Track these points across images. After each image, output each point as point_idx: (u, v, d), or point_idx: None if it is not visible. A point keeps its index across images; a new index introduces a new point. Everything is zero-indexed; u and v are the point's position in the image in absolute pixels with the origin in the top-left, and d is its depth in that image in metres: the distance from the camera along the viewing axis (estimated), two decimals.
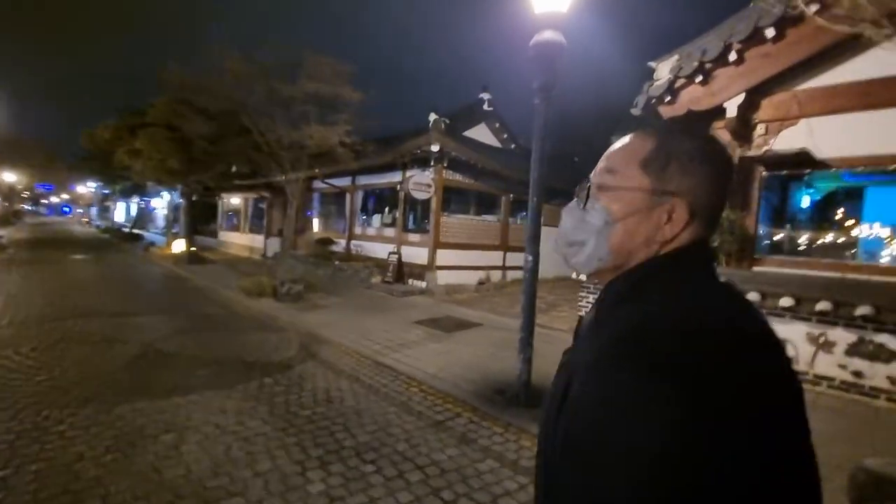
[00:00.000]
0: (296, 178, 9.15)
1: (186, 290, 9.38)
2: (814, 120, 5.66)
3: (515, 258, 12.24)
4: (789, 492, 0.50)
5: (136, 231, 24.69)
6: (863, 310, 4.18)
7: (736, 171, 6.06)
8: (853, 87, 5.39)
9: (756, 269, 5.89)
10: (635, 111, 6.46)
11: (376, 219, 12.71)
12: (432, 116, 10.08)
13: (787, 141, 5.79)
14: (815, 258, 5.86)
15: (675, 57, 6.11)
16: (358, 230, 12.92)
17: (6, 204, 32.62)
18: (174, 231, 20.56)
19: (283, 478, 2.64)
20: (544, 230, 4.22)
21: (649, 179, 0.64)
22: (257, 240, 17.20)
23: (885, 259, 5.71)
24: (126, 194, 29.42)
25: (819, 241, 6.48)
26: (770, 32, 5.28)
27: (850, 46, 5.24)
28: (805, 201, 7.18)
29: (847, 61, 5.44)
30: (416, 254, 10.53)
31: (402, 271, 10.55)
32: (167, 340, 5.37)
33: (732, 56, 5.60)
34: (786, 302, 4.58)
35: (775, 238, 6.51)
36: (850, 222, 6.45)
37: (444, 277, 10.19)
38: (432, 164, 9.96)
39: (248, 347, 5.34)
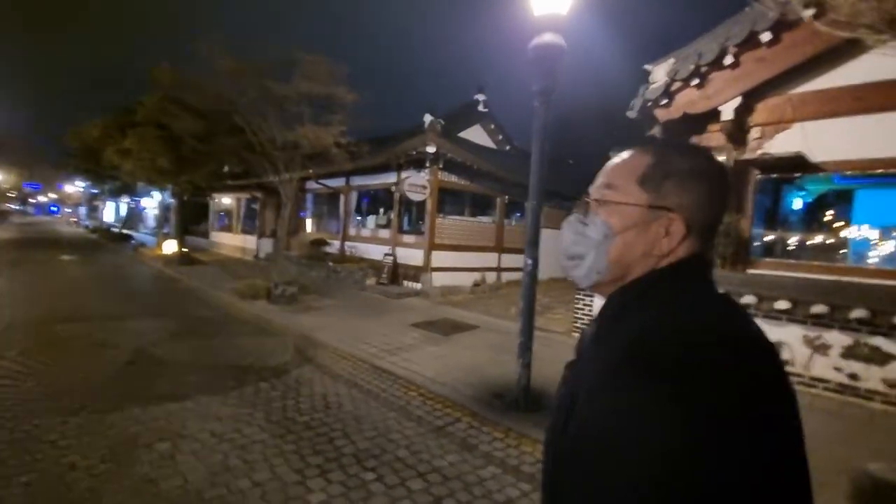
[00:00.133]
0: (289, 178, 9.05)
1: (178, 292, 9.25)
2: (808, 124, 5.71)
3: (510, 260, 12.24)
4: (787, 492, 0.52)
5: (125, 231, 24.35)
6: (858, 313, 4.21)
7: (731, 177, 6.12)
8: (847, 91, 5.45)
9: (750, 271, 5.93)
10: (631, 114, 6.49)
11: (371, 220, 12.64)
12: (428, 117, 10.04)
13: (782, 144, 5.84)
14: (809, 261, 5.92)
15: (671, 60, 6.14)
16: (352, 231, 12.84)
17: None
18: (164, 231, 20.31)
19: (282, 487, 2.59)
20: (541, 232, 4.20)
21: (647, 195, 0.67)
22: (249, 240, 17.03)
23: (877, 261, 5.78)
24: (115, 194, 28.98)
25: (812, 244, 6.55)
26: (766, 36, 5.32)
27: (843, 51, 5.30)
28: (797, 204, 7.25)
29: (841, 66, 5.50)
30: (411, 255, 10.48)
31: (398, 273, 10.50)
32: (159, 344, 5.27)
33: (728, 60, 5.64)
34: (781, 305, 4.62)
35: (769, 240, 6.57)
36: (841, 225, 6.53)
37: (439, 279, 10.16)
38: (428, 165, 9.92)
39: (243, 351, 5.26)
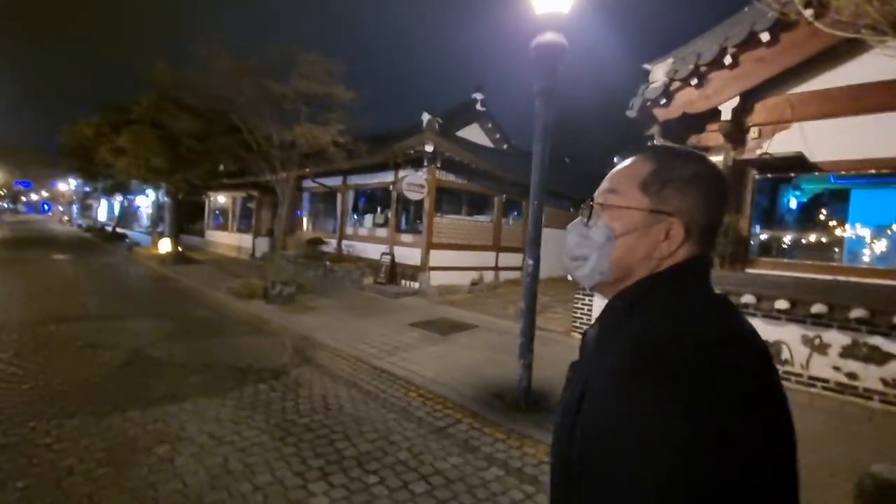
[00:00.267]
0: (286, 177, 8.99)
1: (173, 292, 9.17)
2: (806, 124, 5.73)
3: (508, 259, 12.24)
4: (783, 489, 0.56)
5: (119, 230, 24.13)
6: (857, 312, 4.23)
7: (729, 176, 6.13)
8: (845, 91, 5.47)
9: (749, 271, 5.95)
10: (631, 113, 6.49)
11: (368, 219, 12.58)
12: (426, 116, 10.00)
13: (781, 144, 5.86)
14: (807, 260, 5.95)
15: (671, 60, 6.14)
16: (349, 230, 12.78)
17: None
18: (159, 230, 20.13)
19: (283, 491, 2.56)
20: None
21: (648, 200, 0.69)
22: (245, 239, 16.93)
23: (875, 261, 5.81)
24: (109, 192, 28.72)
25: (810, 243, 6.58)
26: (765, 36, 5.33)
27: (842, 52, 5.32)
28: (792, 203, 7.29)
29: (838, 66, 5.52)
30: (408, 254, 10.45)
31: (395, 272, 10.46)
32: (156, 345, 5.22)
33: (727, 59, 5.65)
34: (781, 304, 4.63)
35: (768, 240, 6.60)
36: (838, 224, 6.55)
37: (437, 278, 10.13)
38: (425, 164, 9.88)
39: (241, 352, 5.22)
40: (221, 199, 19.48)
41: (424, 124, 9.94)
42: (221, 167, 14.81)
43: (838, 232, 6.44)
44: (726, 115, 5.92)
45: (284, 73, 8.05)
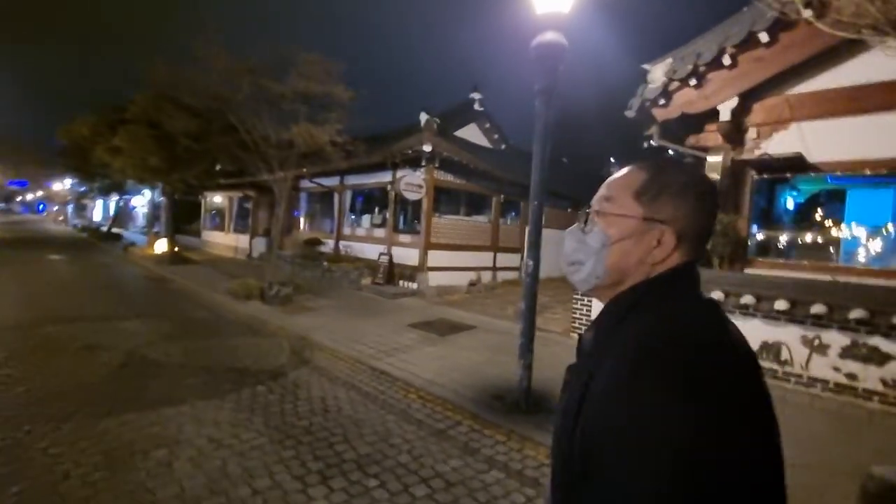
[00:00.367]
0: (284, 177, 8.94)
1: (170, 293, 9.11)
2: (805, 124, 5.74)
3: (506, 259, 12.23)
4: (778, 485, 0.59)
5: (115, 230, 23.98)
6: (856, 313, 4.23)
7: (728, 176, 6.14)
8: (843, 92, 5.48)
9: (748, 271, 5.95)
10: (629, 113, 6.48)
11: (366, 219, 12.54)
12: (423, 116, 9.97)
13: (779, 145, 5.87)
14: (806, 261, 5.96)
15: (669, 60, 6.14)
16: (347, 230, 12.74)
17: None
18: (155, 230, 20.03)
19: (283, 495, 2.53)
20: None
21: (642, 208, 0.73)
22: (242, 240, 16.86)
23: (873, 261, 5.82)
24: (104, 192, 28.51)
25: (808, 244, 6.59)
26: (764, 37, 5.33)
27: (840, 52, 5.33)
28: (790, 203, 7.30)
29: (837, 67, 5.53)
30: (406, 255, 10.42)
31: (393, 273, 10.43)
32: (152, 347, 5.17)
33: (726, 60, 5.65)
34: (780, 305, 4.62)
35: (766, 240, 6.60)
36: (836, 225, 6.57)
37: (435, 279, 10.11)
38: (423, 164, 9.85)
39: (238, 353, 5.18)
40: (218, 199, 19.38)
41: (422, 124, 9.91)
42: (218, 167, 14.72)
43: (836, 232, 6.45)
44: (725, 115, 5.93)
45: (283, 73, 8.00)
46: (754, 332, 4.80)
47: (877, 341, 4.19)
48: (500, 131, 14.95)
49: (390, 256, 10.51)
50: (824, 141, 5.61)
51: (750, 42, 5.47)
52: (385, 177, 11.00)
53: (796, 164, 5.71)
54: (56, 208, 52.75)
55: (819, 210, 7.25)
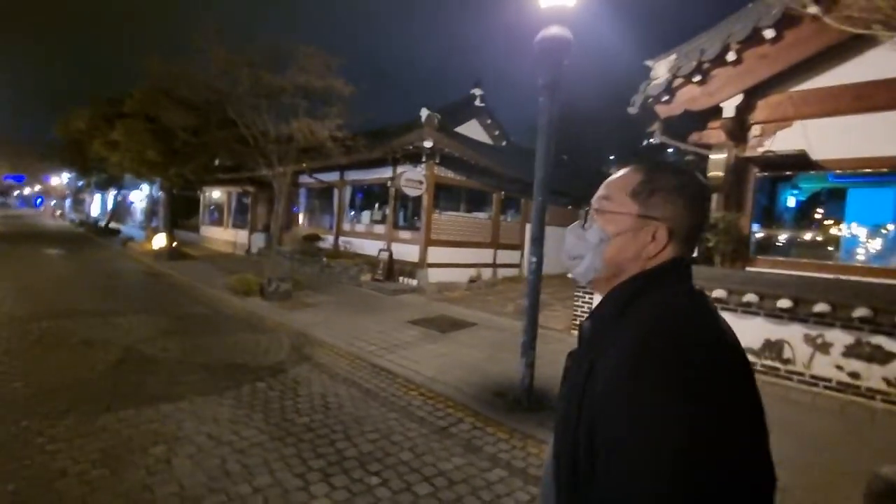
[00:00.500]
0: (283, 172, 8.87)
1: (168, 288, 9.06)
2: (809, 121, 5.71)
3: (506, 256, 12.20)
4: (771, 478, 0.62)
5: (112, 225, 23.85)
6: (860, 311, 4.21)
7: (731, 174, 6.10)
8: (847, 89, 5.44)
9: (750, 269, 5.93)
10: (632, 110, 6.44)
11: (365, 215, 12.48)
12: (424, 112, 9.89)
13: (783, 142, 5.83)
14: (808, 259, 5.94)
15: (673, 56, 6.09)
16: (346, 226, 12.69)
17: None
18: (153, 225, 19.92)
19: (284, 493, 2.49)
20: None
21: (637, 206, 0.78)
22: (241, 235, 16.78)
23: (876, 260, 5.80)
24: (102, 186, 28.38)
25: (810, 242, 6.57)
26: (769, 33, 5.28)
27: (845, 49, 5.29)
28: (791, 202, 7.28)
29: (842, 64, 5.49)
30: (406, 251, 10.37)
31: (393, 269, 10.39)
32: (151, 342, 5.13)
33: (731, 56, 5.60)
34: (784, 303, 4.60)
35: (768, 238, 6.58)
36: (837, 223, 6.55)
37: (435, 275, 10.07)
38: (424, 160, 9.79)
39: (238, 349, 5.14)
40: (217, 194, 19.28)
41: (423, 120, 9.84)
42: (217, 162, 14.63)
43: (838, 230, 6.43)
44: (729, 112, 5.89)
45: (283, 67, 7.92)
46: (757, 330, 4.79)
47: (880, 340, 4.17)
48: (501, 128, 14.90)
49: (390, 253, 10.47)
50: (828, 139, 5.57)
51: (755, 38, 5.42)
52: (385, 172, 10.94)
53: (800, 162, 5.67)
54: (53, 203, 52.50)
55: (822, 208, 7.22)
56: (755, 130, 6.07)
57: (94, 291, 8.02)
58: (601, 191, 0.84)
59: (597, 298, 0.87)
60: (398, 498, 2.54)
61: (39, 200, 65.55)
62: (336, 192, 12.94)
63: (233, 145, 10.35)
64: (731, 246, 5.87)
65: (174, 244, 13.69)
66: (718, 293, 4.93)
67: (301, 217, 15.27)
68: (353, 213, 13.01)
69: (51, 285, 8.20)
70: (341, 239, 12.53)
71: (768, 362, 4.74)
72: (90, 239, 19.74)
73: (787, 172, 6.17)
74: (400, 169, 10.19)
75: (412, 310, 7.73)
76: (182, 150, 11.92)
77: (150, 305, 7.19)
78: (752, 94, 5.86)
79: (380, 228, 11.50)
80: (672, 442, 0.57)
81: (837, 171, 5.85)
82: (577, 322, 6.55)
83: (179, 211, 18.65)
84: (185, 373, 4.25)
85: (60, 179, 41.90)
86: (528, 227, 12.71)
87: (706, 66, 5.77)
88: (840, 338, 4.37)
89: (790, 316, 4.63)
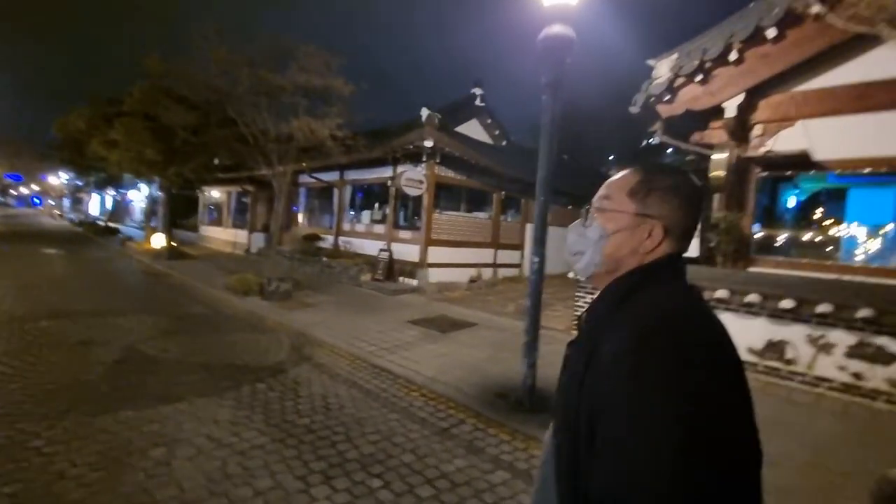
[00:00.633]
0: (283, 171, 8.84)
1: (168, 288, 9.02)
2: (810, 121, 5.68)
3: (506, 256, 12.17)
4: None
5: (111, 225, 23.79)
6: (863, 312, 4.19)
7: (733, 174, 6.08)
8: (849, 89, 5.42)
9: (752, 269, 5.91)
10: (634, 109, 6.41)
11: (366, 215, 12.45)
12: (425, 111, 9.85)
13: (784, 142, 5.81)
14: (810, 259, 5.92)
15: (675, 55, 6.06)
16: (346, 226, 12.65)
17: None
18: (152, 225, 19.86)
19: (285, 496, 2.47)
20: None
21: (635, 205, 0.83)
22: (240, 235, 16.75)
23: (877, 260, 5.78)
24: (101, 186, 28.32)
25: (812, 242, 6.55)
26: (771, 32, 5.26)
27: (847, 49, 5.27)
28: (791, 202, 7.26)
29: (844, 64, 5.47)
30: (406, 251, 10.34)
31: (393, 269, 10.36)
32: (150, 342, 5.09)
33: (733, 56, 5.57)
34: (786, 304, 4.58)
35: (769, 238, 6.56)
36: (838, 223, 6.53)
37: (435, 275, 10.04)
38: (424, 159, 9.76)
39: (238, 350, 5.11)
40: (216, 193, 19.24)
41: (423, 119, 9.80)
42: (216, 161, 14.58)
43: (839, 231, 6.41)
44: (730, 112, 5.86)
45: (283, 65, 7.89)
46: (759, 330, 4.76)
47: (883, 341, 4.15)
48: (502, 127, 14.87)
49: (390, 252, 10.44)
50: (830, 139, 5.55)
51: (757, 38, 5.40)
52: (385, 172, 10.91)
53: (802, 162, 5.66)
54: (52, 202, 52.38)
55: (823, 209, 7.21)
56: (757, 130, 6.04)
57: (93, 291, 7.98)
58: (601, 191, 0.90)
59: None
60: (400, 501, 2.51)
61: (38, 200, 65.40)
62: (336, 191, 12.90)
63: (232, 144, 10.31)
64: (733, 246, 5.85)
65: (173, 244, 13.66)
66: (721, 293, 4.91)
67: (301, 217, 15.23)
68: (353, 212, 12.98)
69: (49, 285, 8.16)
70: (341, 239, 12.50)
71: (770, 363, 4.72)
72: (89, 238, 19.69)
73: (789, 172, 6.15)
74: (400, 168, 10.16)
75: (412, 310, 7.70)
76: (181, 150, 11.89)
77: (149, 305, 7.15)
78: (754, 94, 5.83)
79: (380, 228, 11.47)
80: (672, 442, 0.60)
81: (839, 172, 5.83)
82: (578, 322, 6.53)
83: (179, 210, 18.61)
84: (184, 373, 4.22)
85: (59, 179, 41.80)
86: (529, 227, 12.72)
87: (708, 65, 5.75)
88: (843, 338, 4.35)
89: (792, 316, 4.60)
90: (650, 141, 6.53)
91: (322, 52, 7.94)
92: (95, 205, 37.67)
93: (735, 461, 0.62)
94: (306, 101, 8.20)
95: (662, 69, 6.14)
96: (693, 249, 5.82)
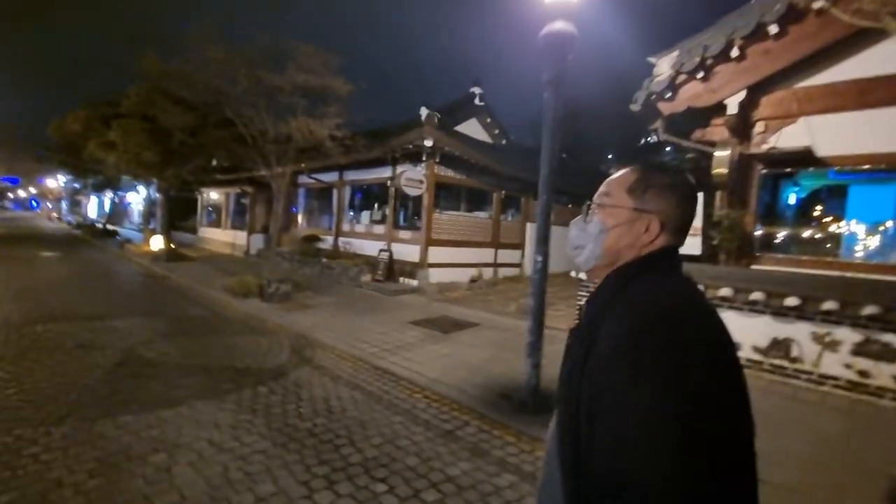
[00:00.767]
0: (282, 172, 8.78)
1: (166, 290, 8.96)
2: (813, 118, 5.64)
3: (506, 255, 12.13)
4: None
5: (110, 227, 23.70)
6: (869, 309, 4.15)
7: (735, 171, 6.04)
8: (851, 85, 5.38)
9: (755, 267, 5.87)
10: (635, 107, 6.36)
11: (365, 215, 12.40)
12: (424, 110, 9.81)
13: (787, 139, 5.77)
14: (813, 256, 5.88)
15: (676, 52, 6.02)
16: (346, 227, 12.60)
17: None
18: (151, 227, 19.79)
19: (288, 502, 2.42)
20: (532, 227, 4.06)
21: (633, 201, 0.88)
22: (240, 236, 16.68)
23: (879, 257, 5.75)
24: (99, 188, 28.18)
25: (816, 239, 6.51)
26: (773, 28, 5.21)
27: (849, 45, 5.23)
28: (791, 199, 7.23)
29: (845, 60, 5.43)
30: (407, 251, 10.30)
31: (394, 269, 10.31)
32: (149, 346, 5.04)
33: (734, 52, 5.53)
34: (791, 301, 4.54)
35: (772, 235, 6.52)
36: (839, 220, 6.49)
37: (436, 275, 10.00)
38: (424, 159, 9.71)
39: (238, 352, 5.06)
40: (214, 195, 19.17)
41: (423, 118, 9.75)
42: (214, 162, 14.53)
43: (842, 228, 6.38)
44: (732, 109, 5.82)
45: (281, 65, 7.83)
46: (764, 328, 4.73)
47: (890, 338, 4.12)
48: (501, 126, 14.83)
49: (390, 253, 10.39)
50: (833, 135, 5.51)
51: (758, 34, 5.36)
52: (385, 172, 10.86)
53: (805, 159, 5.62)
54: (50, 205, 52.21)
55: (825, 206, 7.17)
56: (759, 127, 6.00)
57: (91, 294, 7.92)
58: (602, 188, 0.94)
59: None
60: None
61: (35, 203, 65.20)
62: (335, 192, 12.85)
63: (231, 145, 10.26)
64: (736, 243, 5.81)
65: (172, 246, 13.60)
66: (724, 291, 4.88)
67: (300, 218, 15.17)
68: (352, 213, 12.92)
69: (47, 288, 8.09)
70: (341, 239, 12.44)
71: (776, 361, 4.69)
72: (87, 241, 19.62)
73: (792, 169, 6.11)
74: (400, 168, 10.12)
75: (413, 310, 7.66)
76: (179, 151, 11.83)
77: (148, 308, 7.10)
78: (756, 91, 5.79)
79: (380, 228, 11.42)
80: (671, 441, 0.61)
81: (840, 168, 5.79)
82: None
83: (177, 212, 18.55)
84: (184, 377, 4.17)
85: (57, 181, 41.67)
86: (529, 226, 12.66)
87: (709, 62, 5.70)
88: (848, 336, 4.32)
89: (797, 314, 4.57)
90: (649, 139, 6.48)
91: (321, 52, 7.89)
92: (93, 207, 37.55)
93: (733, 461, 0.63)
94: (305, 102, 8.14)
95: (663, 66, 6.10)
96: (696, 247, 5.79)
